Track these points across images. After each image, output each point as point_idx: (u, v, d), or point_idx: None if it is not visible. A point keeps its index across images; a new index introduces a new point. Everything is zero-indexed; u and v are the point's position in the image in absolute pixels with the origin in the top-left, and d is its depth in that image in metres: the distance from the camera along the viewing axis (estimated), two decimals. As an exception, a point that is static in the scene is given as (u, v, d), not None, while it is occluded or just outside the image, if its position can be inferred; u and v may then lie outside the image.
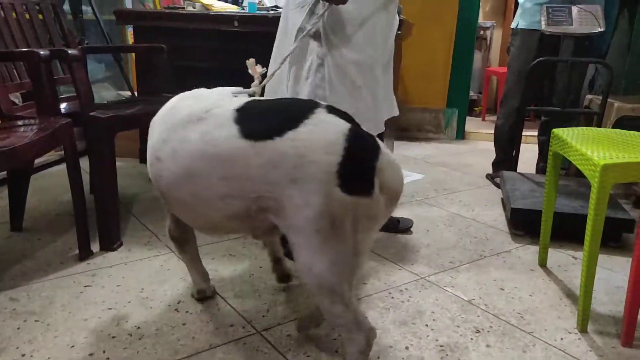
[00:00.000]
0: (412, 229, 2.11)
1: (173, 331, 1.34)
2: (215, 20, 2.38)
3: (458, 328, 1.41)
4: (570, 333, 1.41)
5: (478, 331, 1.40)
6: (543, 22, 2.45)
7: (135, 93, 3.01)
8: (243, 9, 2.72)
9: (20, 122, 1.70)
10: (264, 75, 1.49)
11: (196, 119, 1.13)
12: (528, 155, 2.95)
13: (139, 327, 1.35)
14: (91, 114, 1.76)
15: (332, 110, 1.06)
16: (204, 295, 1.50)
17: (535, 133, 2.98)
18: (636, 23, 3.00)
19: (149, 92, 2.43)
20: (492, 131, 2.96)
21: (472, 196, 2.65)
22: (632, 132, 1.63)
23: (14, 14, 2.04)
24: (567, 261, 1.89)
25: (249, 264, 1.75)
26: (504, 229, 2.20)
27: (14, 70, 1.97)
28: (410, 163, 3.33)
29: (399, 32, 1.86)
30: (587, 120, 2.92)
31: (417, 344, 1.33)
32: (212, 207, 1.11)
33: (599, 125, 2.48)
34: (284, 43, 1.75)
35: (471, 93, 4.72)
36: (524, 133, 2.67)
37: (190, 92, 1.29)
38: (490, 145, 2.99)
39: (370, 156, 1.01)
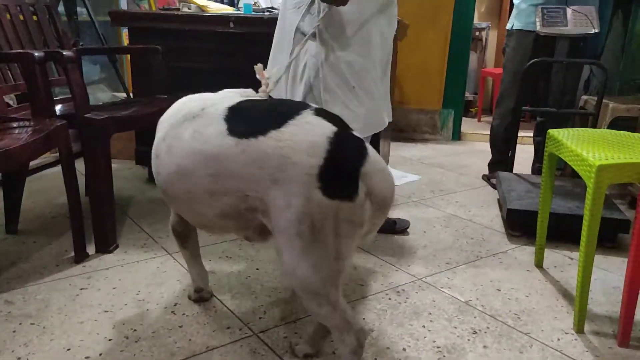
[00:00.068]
0: (408, 230, 2.11)
1: (170, 333, 1.33)
2: (211, 22, 2.38)
3: (455, 329, 1.41)
4: (566, 334, 1.42)
5: (475, 332, 1.40)
6: (538, 23, 2.46)
7: (131, 94, 3.00)
8: (238, 10, 2.71)
9: (14, 124, 1.69)
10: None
11: (191, 116, 1.15)
12: (524, 155, 2.96)
13: (135, 330, 1.34)
14: (86, 115, 1.76)
15: (320, 112, 1.06)
16: (201, 293, 1.49)
17: (531, 134, 2.99)
18: (630, 24, 3.02)
19: (144, 94, 2.42)
20: (488, 132, 2.97)
21: (469, 197, 2.66)
22: (627, 133, 1.63)
23: (8, 16, 2.03)
24: (563, 262, 1.89)
25: (246, 265, 1.75)
26: (500, 229, 2.20)
27: (9, 72, 1.96)
28: (406, 164, 3.33)
29: (395, 34, 1.86)
30: (582, 121, 2.94)
31: (415, 345, 1.33)
32: (204, 204, 1.12)
33: (594, 125, 2.50)
34: (281, 43, 1.76)
35: (467, 94, 4.74)
36: (520, 134, 2.69)
37: (199, 94, 1.30)
38: (486, 146, 3.00)
39: (355, 160, 1.00)
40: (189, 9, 2.56)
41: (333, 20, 1.63)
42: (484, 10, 5.65)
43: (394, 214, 2.32)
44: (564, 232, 2.00)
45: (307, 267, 1.00)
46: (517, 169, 2.68)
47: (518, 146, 2.68)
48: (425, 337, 1.37)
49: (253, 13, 2.49)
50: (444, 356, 1.29)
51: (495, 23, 5.65)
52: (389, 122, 1.96)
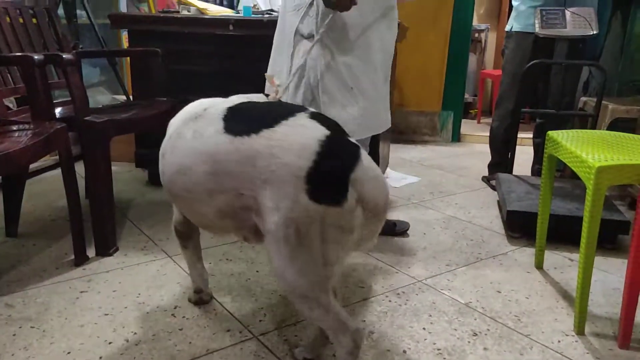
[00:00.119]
0: (408, 231, 2.11)
1: (170, 336, 1.33)
2: (211, 24, 2.38)
3: (455, 331, 1.41)
4: (567, 335, 1.41)
5: (475, 334, 1.40)
6: (537, 25, 2.46)
7: (131, 97, 3.01)
8: (238, 13, 2.72)
9: (14, 127, 1.69)
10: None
11: (194, 117, 1.17)
12: (523, 157, 2.96)
13: (135, 333, 1.34)
14: (86, 118, 1.76)
15: (315, 116, 1.06)
16: (201, 295, 1.49)
17: (531, 135, 2.99)
18: (629, 26, 3.02)
19: (144, 96, 2.42)
20: (488, 133, 2.97)
21: (468, 199, 2.66)
22: (626, 134, 1.63)
23: (7, 19, 2.03)
24: (563, 263, 1.89)
25: (246, 267, 1.75)
26: (500, 231, 2.20)
27: (8, 75, 1.96)
28: (406, 166, 3.33)
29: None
30: (581, 122, 2.94)
31: (415, 347, 1.33)
32: (203, 203, 1.13)
33: (593, 127, 2.50)
34: (281, 46, 1.77)
35: (466, 96, 4.75)
36: (519, 135, 2.69)
37: (209, 98, 1.31)
38: (486, 148, 3.00)
39: (345, 165, 0.98)
40: (189, 11, 2.56)
41: (333, 24, 1.63)
42: (483, 12, 5.66)
43: (394, 215, 2.32)
44: (563, 233, 2.00)
45: (294, 272, 1.00)
46: (516, 170, 2.68)
47: (517, 147, 2.68)
48: (425, 339, 1.37)
49: (252, 15, 2.49)
50: (445, 358, 1.29)
51: (495, 25, 5.66)
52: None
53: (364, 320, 1.44)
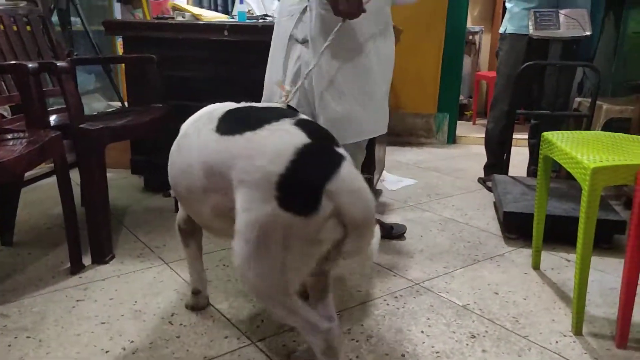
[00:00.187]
0: (405, 234, 2.11)
1: (167, 344, 1.33)
2: (205, 30, 2.38)
3: (454, 334, 1.41)
4: (565, 336, 1.42)
5: (473, 336, 1.40)
6: (531, 27, 2.47)
7: (126, 103, 3.00)
8: (233, 18, 2.72)
9: (9, 136, 1.69)
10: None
11: (198, 118, 1.22)
12: (519, 158, 2.97)
13: (132, 341, 1.34)
14: (81, 126, 1.75)
15: (300, 122, 1.05)
16: (198, 297, 1.49)
17: (526, 136, 3.00)
18: (621, 27, 3.04)
19: (139, 103, 2.42)
20: (483, 135, 2.98)
21: (465, 200, 2.66)
22: (621, 135, 1.64)
23: (1, 27, 2.03)
24: (560, 264, 1.89)
25: (243, 273, 1.74)
26: (496, 232, 2.20)
27: (2, 83, 1.96)
28: (402, 168, 3.34)
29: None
30: (576, 123, 2.95)
31: (413, 351, 1.33)
32: (200, 202, 1.15)
33: (588, 127, 2.51)
34: (277, 51, 1.77)
35: (461, 97, 4.76)
36: (515, 136, 2.69)
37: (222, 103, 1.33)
38: (482, 149, 3.01)
39: (320, 175, 0.95)
40: (183, 17, 2.56)
41: (325, 26, 1.63)
42: (477, 14, 5.69)
43: (391, 218, 2.33)
44: (560, 234, 2.01)
45: (254, 274, 1.00)
46: (512, 171, 2.69)
47: (513, 148, 2.69)
48: (424, 343, 1.37)
49: (247, 21, 2.49)
50: (443, 361, 1.29)
51: (489, 27, 5.68)
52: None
53: (362, 325, 1.44)
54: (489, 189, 2.82)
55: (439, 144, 4.20)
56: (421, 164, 3.50)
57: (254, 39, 2.29)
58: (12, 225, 1.95)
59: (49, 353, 1.28)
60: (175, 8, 2.64)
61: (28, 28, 2.20)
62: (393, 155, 3.62)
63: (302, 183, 0.95)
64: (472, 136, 4.30)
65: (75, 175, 1.76)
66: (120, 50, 3.79)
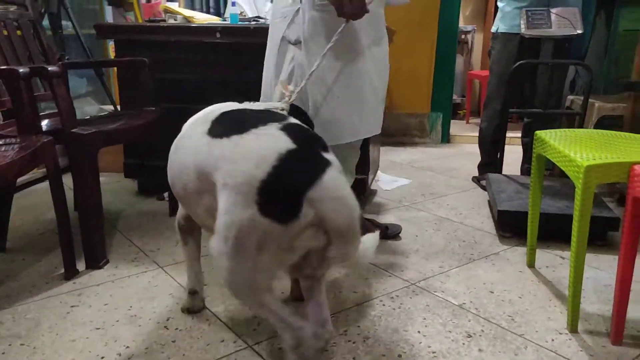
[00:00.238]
0: (400, 234, 2.11)
1: (163, 349, 1.32)
2: (197, 33, 2.37)
3: (450, 333, 1.41)
4: (560, 334, 1.42)
5: (470, 336, 1.40)
6: (523, 26, 2.48)
7: (118, 107, 2.99)
8: (225, 21, 2.71)
9: (0, 141, 1.68)
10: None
11: (196, 119, 1.23)
12: (512, 156, 2.98)
13: (128, 347, 1.33)
14: (73, 130, 1.74)
15: (288, 126, 1.05)
16: (194, 298, 1.48)
17: (519, 135, 3.01)
18: (612, 25, 3.06)
19: (131, 106, 2.40)
20: (477, 134, 2.99)
21: (459, 199, 2.67)
22: (613, 132, 1.65)
23: (-9, 32, 2.01)
24: (555, 261, 1.90)
25: (239, 276, 1.73)
26: (491, 231, 2.21)
27: (-7, 88, 1.94)
28: (396, 168, 3.34)
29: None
30: (569, 121, 2.96)
31: (410, 351, 1.33)
32: (195, 203, 1.16)
33: (581, 125, 2.52)
34: (271, 53, 1.78)
35: (454, 97, 4.77)
36: (508, 135, 2.70)
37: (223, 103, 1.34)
38: (475, 148, 3.02)
39: (301, 183, 0.94)
40: (175, 20, 2.56)
41: (317, 27, 1.63)
42: (469, 14, 5.70)
43: (386, 218, 2.33)
44: (554, 231, 2.01)
45: (228, 272, 1.02)
46: (506, 170, 2.69)
47: (507, 147, 2.70)
48: (420, 343, 1.37)
49: (240, 23, 2.49)
50: (440, 361, 1.29)
51: (481, 26, 5.70)
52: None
53: (359, 326, 1.44)
54: (483, 188, 2.82)
55: (432, 144, 4.21)
56: (415, 163, 3.50)
57: (247, 41, 2.29)
58: (5, 231, 1.93)
59: (44, 360, 1.27)
60: (167, 11, 2.63)
61: (18, 32, 2.18)
62: (387, 155, 3.63)
63: (283, 190, 0.95)
64: (466, 135, 4.32)
65: (68, 180, 1.75)
66: (112, 53, 3.78)
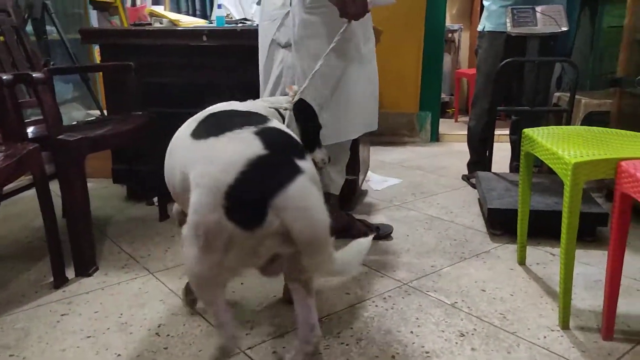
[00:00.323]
0: (392, 234, 2.12)
1: (155, 356, 1.31)
2: (184, 36, 2.36)
3: (443, 333, 1.42)
4: (552, 331, 1.43)
5: (462, 335, 1.41)
6: (508, 24, 2.50)
7: (105, 112, 2.96)
8: (211, 23, 2.70)
9: (-15, 150, 1.65)
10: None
11: (191, 119, 1.24)
12: (501, 154, 3.00)
13: (119, 355, 1.31)
14: (59, 137, 1.72)
15: (262, 131, 1.04)
16: (191, 299, 1.51)
17: (507, 132, 3.03)
18: (597, 22, 3.09)
19: (118, 111, 2.38)
20: (465, 132, 3.00)
21: (449, 198, 2.68)
22: (601, 129, 1.66)
23: (-26, 38, 1.99)
24: (545, 258, 1.91)
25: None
26: (482, 229, 2.22)
27: (-23, 96, 1.91)
28: (386, 168, 3.35)
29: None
30: (556, 118, 2.99)
31: (403, 351, 1.33)
32: (182, 199, 1.17)
33: (568, 122, 2.54)
34: (262, 54, 1.78)
35: (443, 95, 4.79)
36: (496, 132, 2.72)
37: (223, 103, 1.36)
38: (464, 147, 3.03)
39: (266, 190, 0.94)
40: (161, 23, 2.54)
41: (307, 30, 1.63)
42: (455, 13, 5.74)
43: (377, 219, 2.33)
44: (544, 228, 2.03)
45: (189, 265, 1.05)
46: (495, 167, 2.71)
47: (495, 144, 2.71)
48: (413, 343, 1.37)
49: (226, 25, 2.48)
50: (433, 361, 1.29)
51: (467, 24, 5.73)
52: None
53: (352, 328, 1.44)
54: (473, 186, 2.84)
55: (422, 143, 4.23)
56: (405, 162, 3.51)
57: (233, 43, 2.28)
58: (-9, 240, 1.91)
59: (33, 371, 1.25)
60: (153, 14, 2.61)
61: (1, 38, 2.15)
62: (377, 155, 3.63)
63: (248, 196, 0.95)
64: (455, 134, 4.34)
65: (55, 187, 1.72)
66: (97, 58, 3.74)
